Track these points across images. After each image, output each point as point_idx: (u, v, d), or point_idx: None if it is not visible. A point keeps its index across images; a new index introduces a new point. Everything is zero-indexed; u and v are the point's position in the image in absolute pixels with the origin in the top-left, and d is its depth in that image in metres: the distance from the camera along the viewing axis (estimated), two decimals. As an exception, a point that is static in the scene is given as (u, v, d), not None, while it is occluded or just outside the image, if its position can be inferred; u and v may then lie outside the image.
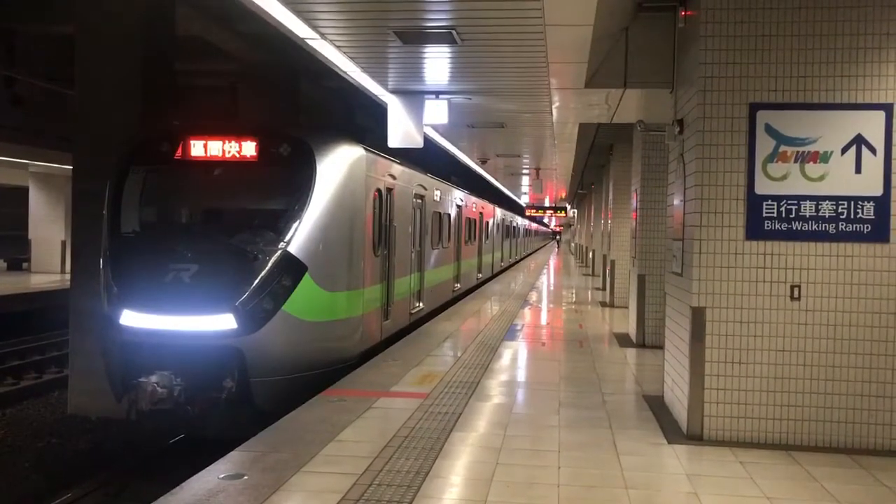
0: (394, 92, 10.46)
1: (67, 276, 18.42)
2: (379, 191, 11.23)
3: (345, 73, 9.54)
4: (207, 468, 5.75)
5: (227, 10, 12.82)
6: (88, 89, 11.29)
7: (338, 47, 8.29)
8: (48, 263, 26.98)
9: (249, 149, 9.04)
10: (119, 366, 8.60)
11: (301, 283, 8.63)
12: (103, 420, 10.66)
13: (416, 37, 7.76)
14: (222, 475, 5.59)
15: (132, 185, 9.41)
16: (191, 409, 8.32)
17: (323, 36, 7.79)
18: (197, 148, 9.15)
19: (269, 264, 8.46)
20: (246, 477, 5.58)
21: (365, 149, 10.47)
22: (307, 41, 7.97)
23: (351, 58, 8.77)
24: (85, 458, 9.62)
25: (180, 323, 8.31)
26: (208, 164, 9.21)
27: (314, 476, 5.68)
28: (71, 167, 12.10)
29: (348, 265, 9.75)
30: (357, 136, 10.76)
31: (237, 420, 8.19)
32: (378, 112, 11.96)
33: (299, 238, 8.69)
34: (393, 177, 12.13)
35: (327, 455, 6.17)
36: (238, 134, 9.14)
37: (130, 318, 8.49)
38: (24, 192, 28.24)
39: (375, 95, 10.78)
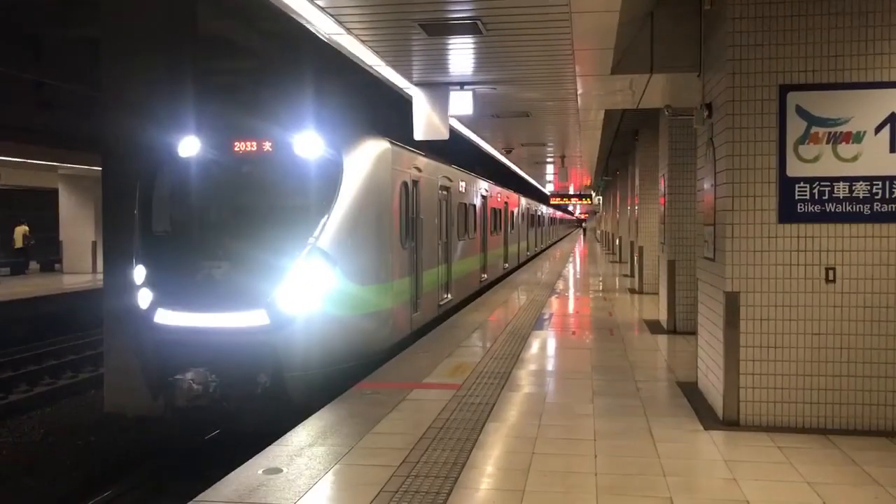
0: (418, 84, 10.45)
1: (99, 276, 18.67)
2: (405, 183, 11.25)
3: (369, 66, 9.55)
4: (247, 463, 5.81)
5: (251, 9, 12.86)
6: (115, 89, 11.38)
7: (363, 42, 8.29)
8: (80, 264, 27.36)
9: (277, 145, 9.07)
10: (154, 364, 8.71)
11: (331, 278, 8.65)
12: (140, 418, 10.80)
13: (441, 28, 7.74)
14: (262, 469, 5.65)
15: (162, 184, 9.51)
16: (226, 405, 8.42)
17: (349, 31, 7.79)
18: (225, 146, 9.21)
19: (300, 259, 8.48)
20: (285, 471, 5.64)
21: (390, 142, 10.50)
22: (333, 37, 7.98)
23: (376, 52, 8.77)
24: (124, 456, 9.76)
25: (214, 320, 8.40)
26: (237, 162, 9.27)
27: (352, 468, 5.73)
28: (100, 168, 12.22)
29: (377, 259, 9.79)
30: (382, 130, 10.78)
31: (272, 414, 8.26)
32: (402, 104, 11.95)
33: (328, 233, 8.70)
34: (418, 169, 12.15)
35: (364, 447, 6.21)
36: (265, 131, 9.18)
37: (164, 316, 8.59)
38: (53, 194, 28.60)
39: (400, 88, 10.78)
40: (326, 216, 8.76)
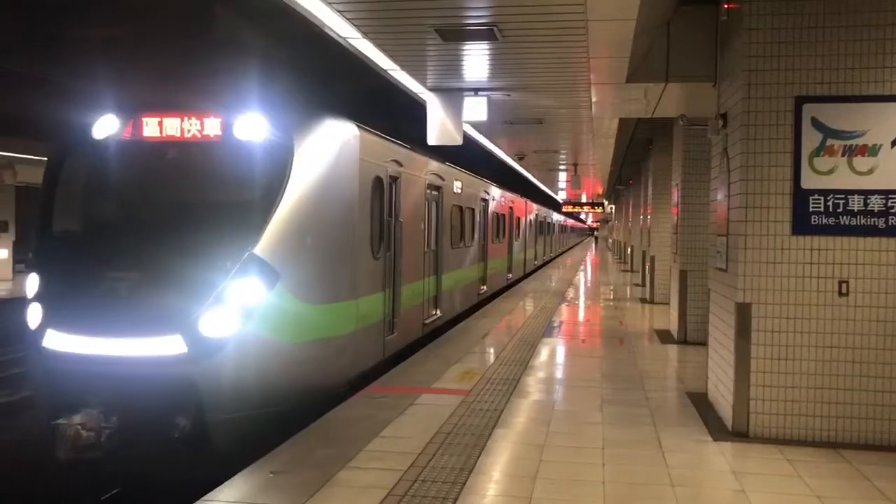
0: (433, 90, 10.44)
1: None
2: (379, 179, 9.61)
3: (384, 70, 9.56)
4: (254, 464, 5.83)
5: (265, 10, 12.84)
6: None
7: (378, 46, 8.31)
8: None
9: (211, 127, 7.31)
10: (45, 399, 6.99)
11: (272, 295, 6.95)
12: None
13: (457, 34, 7.74)
14: (270, 471, 5.66)
15: (68, 175, 7.71)
16: (129, 455, 6.60)
17: (365, 35, 7.81)
18: (148, 127, 7.42)
19: (231, 272, 6.74)
20: (293, 473, 5.64)
21: (359, 126, 8.86)
22: (349, 40, 8.00)
23: (391, 56, 8.78)
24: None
25: (116, 346, 6.61)
26: (161, 147, 7.47)
27: (360, 472, 5.73)
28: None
29: (335, 270, 8.15)
30: (349, 113, 9.10)
31: (197, 462, 6.58)
32: (384, 87, 11.32)
33: (271, 237, 7.00)
34: (398, 163, 10.52)
35: (372, 451, 6.21)
36: (198, 109, 7.44)
37: (54, 340, 6.80)
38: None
39: (414, 92, 10.78)
40: (269, 216, 7.06)
